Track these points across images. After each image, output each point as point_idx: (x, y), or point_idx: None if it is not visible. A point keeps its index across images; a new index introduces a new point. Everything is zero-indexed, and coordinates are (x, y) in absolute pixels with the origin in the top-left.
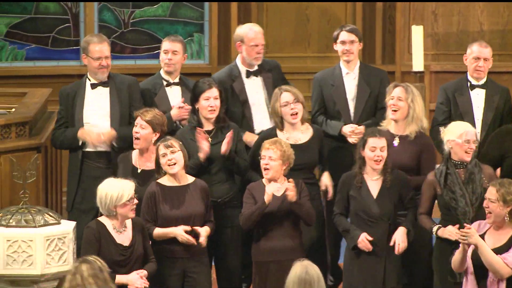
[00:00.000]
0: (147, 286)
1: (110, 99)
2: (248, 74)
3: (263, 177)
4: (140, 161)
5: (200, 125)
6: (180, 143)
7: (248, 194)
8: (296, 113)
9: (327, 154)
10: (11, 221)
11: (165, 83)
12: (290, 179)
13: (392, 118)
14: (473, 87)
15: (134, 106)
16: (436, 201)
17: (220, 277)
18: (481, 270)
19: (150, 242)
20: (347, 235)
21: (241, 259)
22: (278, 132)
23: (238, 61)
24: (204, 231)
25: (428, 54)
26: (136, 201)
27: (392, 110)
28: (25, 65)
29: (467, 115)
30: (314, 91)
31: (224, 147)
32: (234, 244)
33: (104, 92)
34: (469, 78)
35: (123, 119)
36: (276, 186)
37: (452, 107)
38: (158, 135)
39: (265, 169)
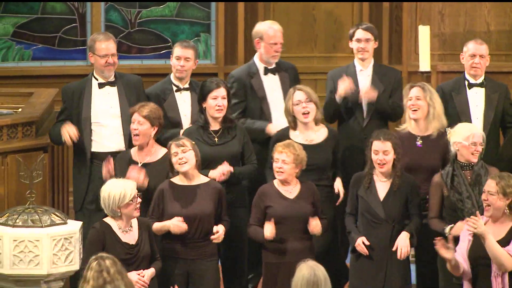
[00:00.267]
0: (146, 286)
1: (119, 99)
2: (266, 71)
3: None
4: (140, 156)
5: (207, 124)
6: (193, 142)
7: (258, 200)
8: (308, 112)
9: (342, 156)
10: (17, 221)
11: (175, 88)
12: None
13: (413, 118)
14: (471, 85)
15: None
16: None
17: (226, 277)
18: (480, 266)
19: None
20: (349, 237)
21: (247, 259)
22: (291, 131)
23: (256, 58)
24: (220, 229)
25: (434, 54)
26: (139, 200)
27: (412, 110)
28: (32, 65)
29: (463, 114)
30: (328, 88)
31: (220, 179)
32: (240, 244)
33: (112, 92)
34: (467, 77)
35: None
36: (270, 229)
37: (449, 106)
38: (156, 129)
39: (278, 172)
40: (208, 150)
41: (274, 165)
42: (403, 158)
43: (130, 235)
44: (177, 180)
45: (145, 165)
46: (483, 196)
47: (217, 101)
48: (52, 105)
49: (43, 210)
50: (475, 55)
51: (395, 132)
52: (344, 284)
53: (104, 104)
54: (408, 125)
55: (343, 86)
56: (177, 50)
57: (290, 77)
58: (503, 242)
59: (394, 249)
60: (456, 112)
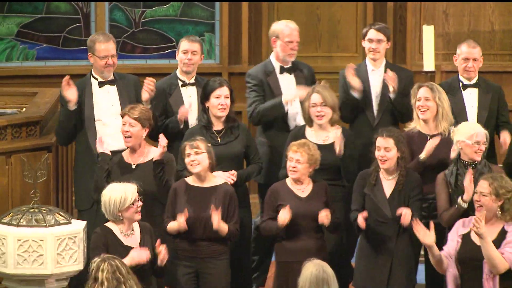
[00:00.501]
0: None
1: (119, 97)
2: (282, 70)
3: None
4: (133, 158)
5: (210, 124)
6: (208, 145)
7: (270, 197)
8: (322, 116)
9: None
10: (22, 220)
11: (180, 83)
12: (326, 211)
13: (422, 119)
14: (465, 87)
15: (141, 103)
16: None
17: (231, 276)
18: (469, 268)
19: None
20: (354, 223)
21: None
22: (307, 128)
23: (273, 57)
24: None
25: (439, 54)
26: (140, 203)
27: (422, 111)
28: (36, 64)
29: (460, 116)
30: (340, 86)
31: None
32: (244, 244)
33: (112, 90)
34: (461, 78)
35: None
36: (284, 215)
37: None
38: (147, 130)
39: (292, 171)
40: None
41: (288, 163)
42: (415, 157)
43: (132, 239)
44: (191, 180)
45: (139, 166)
46: (475, 197)
47: (220, 100)
48: (56, 105)
49: (47, 210)
50: (468, 59)
51: (404, 132)
52: (349, 284)
53: (105, 103)
54: (417, 125)
55: (355, 80)
56: (184, 44)
57: (305, 77)
58: (494, 244)
59: (398, 213)
60: (453, 113)
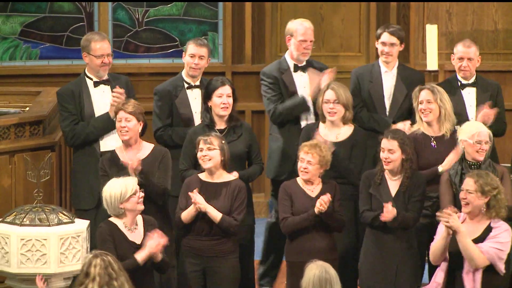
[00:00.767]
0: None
1: None
2: (296, 68)
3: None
4: (128, 154)
5: (213, 123)
6: (222, 141)
7: (284, 194)
8: (334, 113)
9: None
10: (25, 220)
11: (186, 85)
12: (327, 194)
13: (425, 121)
14: (463, 86)
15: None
16: None
17: None
18: (456, 259)
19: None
20: (375, 221)
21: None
22: (321, 124)
23: (287, 55)
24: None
25: (442, 53)
26: (142, 194)
27: (424, 114)
28: (39, 64)
29: (460, 115)
30: (352, 85)
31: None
32: (246, 244)
33: (106, 90)
34: (458, 77)
35: None
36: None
37: None
38: (142, 124)
39: (303, 171)
40: None
41: (299, 164)
42: (420, 159)
43: (135, 234)
44: (203, 175)
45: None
46: (461, 195)
47: (222, 99)
48: None
49: (51, 209)
50: (462, 58)
51: (409, 133)
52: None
53: (101, 102)
54: (421, 127)
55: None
56: (192, 48)
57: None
58: (479, 240)
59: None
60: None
